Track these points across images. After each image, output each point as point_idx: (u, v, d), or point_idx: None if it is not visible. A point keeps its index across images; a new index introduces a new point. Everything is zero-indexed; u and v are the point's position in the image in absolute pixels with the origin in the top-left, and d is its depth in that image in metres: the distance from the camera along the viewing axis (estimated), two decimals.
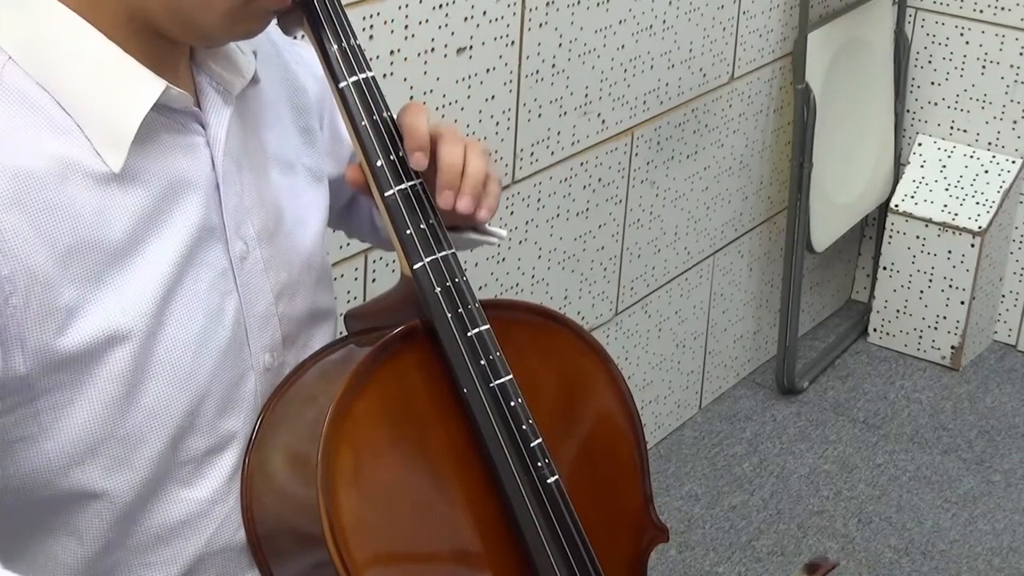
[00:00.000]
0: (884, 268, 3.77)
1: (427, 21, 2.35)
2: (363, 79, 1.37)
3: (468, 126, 2.51)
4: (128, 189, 1.26)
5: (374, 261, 2.39)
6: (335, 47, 1.35)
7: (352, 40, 1.37)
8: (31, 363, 1.22)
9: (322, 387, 1.38)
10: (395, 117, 1.38)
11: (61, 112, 1.24)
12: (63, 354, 1.23)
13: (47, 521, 1.31)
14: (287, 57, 1.50)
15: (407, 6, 2.30)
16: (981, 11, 3.62)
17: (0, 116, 1.21)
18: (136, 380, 1.28)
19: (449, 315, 1.36)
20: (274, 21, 1.34)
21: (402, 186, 1.37)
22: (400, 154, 1.37)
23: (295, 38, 1.45)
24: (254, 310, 1.38)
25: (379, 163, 1.36)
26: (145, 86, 1.26)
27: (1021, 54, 3.61)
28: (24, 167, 1.20)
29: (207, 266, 1.33)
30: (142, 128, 1.26)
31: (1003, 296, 3.85)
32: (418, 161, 1.36)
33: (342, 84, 1.36)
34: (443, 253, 1.37)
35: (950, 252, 3.66)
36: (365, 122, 1.36)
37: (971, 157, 3.73)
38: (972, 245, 3.63)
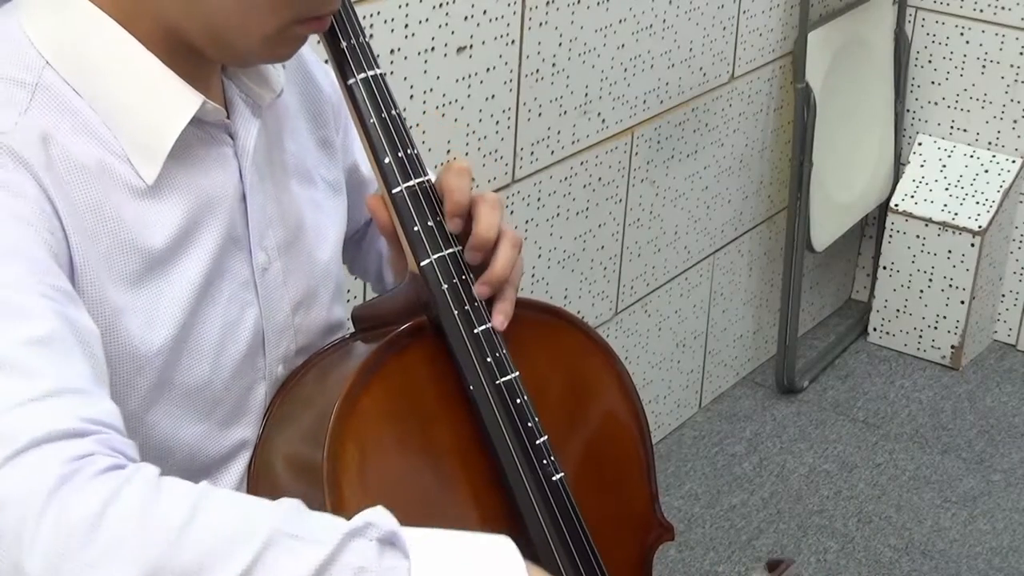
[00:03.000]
0: (884, 268, 3.77)
1: (427, 20, 2.35)
2: (372, 76, 1.37)
3: (468, 125, 2.51)
4: (162, 201, 1.27)
5: None
6: (344, 44, 1.36)
7: (361, 37, 1.37)
8: None
9: (328, 384, 1.38)
10: (438, 173, 1.39)
11: (97, 120, 1.24)
12: (107, 354, 1.22)
13: None
14: (311, 68, 1.50)
15: (407, 5, 2.30)
16: (981, 11, 3.62)
17: (41, 118, 1.21)
18: (164, 388, 1.28)
19: (455, 312, 1.36)
20: None
21: (410, 183, 1.37)
22: (408, 151, 1.37)
23: None
24: (272, 321, 1.38)
25: (387, 160, 1.36)
26: (183, 100, 1.26)
27: (1021, 54, 3.61)
28: (71, 157, 1.21)
29: (230, 276, 1.33)
30: (176, 141, 1.26)
31: (1003, 296, 3.85)
32: (455, 226, 1.37)
33: (351, 81, 1.36)
34: (450, 250, 1.37)
35: (950, 252, 3.66)
36: (373, 119, 1.37)
37: (971, 157, 3.73)
38: (972, 245, 3.63)
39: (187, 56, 1.27)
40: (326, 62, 1.41)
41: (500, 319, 1.39)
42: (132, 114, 1.25)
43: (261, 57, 1.30)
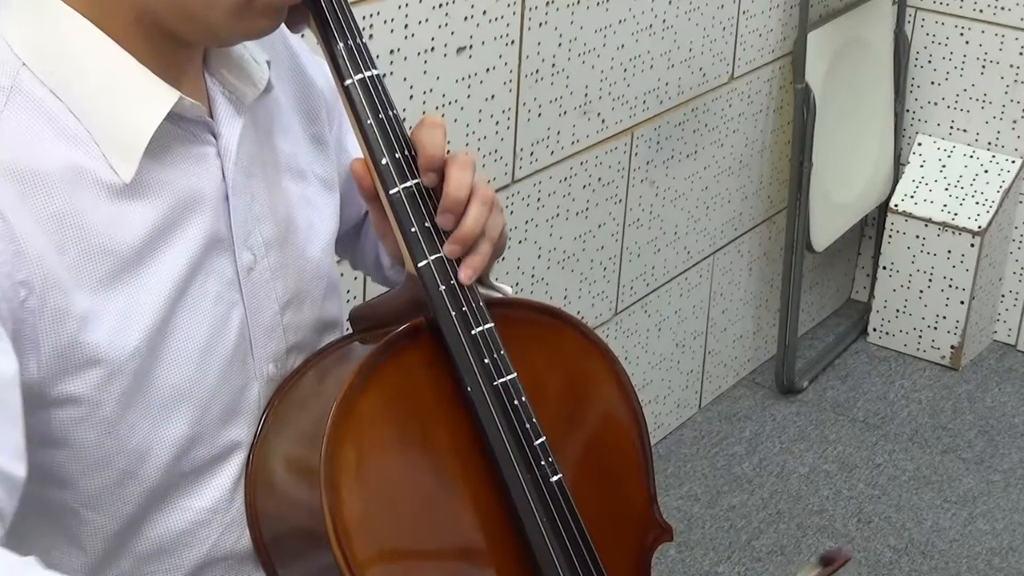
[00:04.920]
0: (884, 268, 3.77)
1: (427, 20, 2.35)
2: (369, 77, 1.36)
3: (468, 126, 2.51)
4: (139, 199, 1.26)
5: None
6: (341, 45, 1.35)
7: (358, 38, 1.36)
8: (44, 370, 1.21)
9: (326, 385, 1.38)
10: (412, 130, 1.38)
11: (73, 119, 1.23)
12: (76, 362, 1.22)
13: (50, 528, 1.31)
14: (304, 63, 1.49)
15: (407, 5, 2.30)
16: (981, 11, 3.62)
17: (15, 121, 1.21)
18: (142, 391, 1.28)
19: (453, 313, 1.36)
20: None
21: (407, 184, 1.36)
22: (406, 152, 1.37)
23: (301, 36, 1.45)
24: (259, 321, 1.38)
25: (384, 161, 1.36)
26: (158, 96, 1.26)
27: (1021, 54, 3.61)
28: (34, 169, 1.20)
29: (214, 276, 1.33)
30: (154, 138, 1.25)
31: (1003, 296, 3.85)
32: (429, 180, 1.36)
33: (347, 82, 1.36)
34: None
35: (950, 252, 3.66)
36: (371, 120, 1.36)
37: (971, 157, 3.73)
38: (972, 245, 3.63)
39: (163, 46, 1.27)
40: (302, 37, 1.40)
41: (467, 272, 1.37)
42: (108, 112, 1.24)
43: (234, 32, 1.28)
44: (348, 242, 1.66)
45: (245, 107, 1.36)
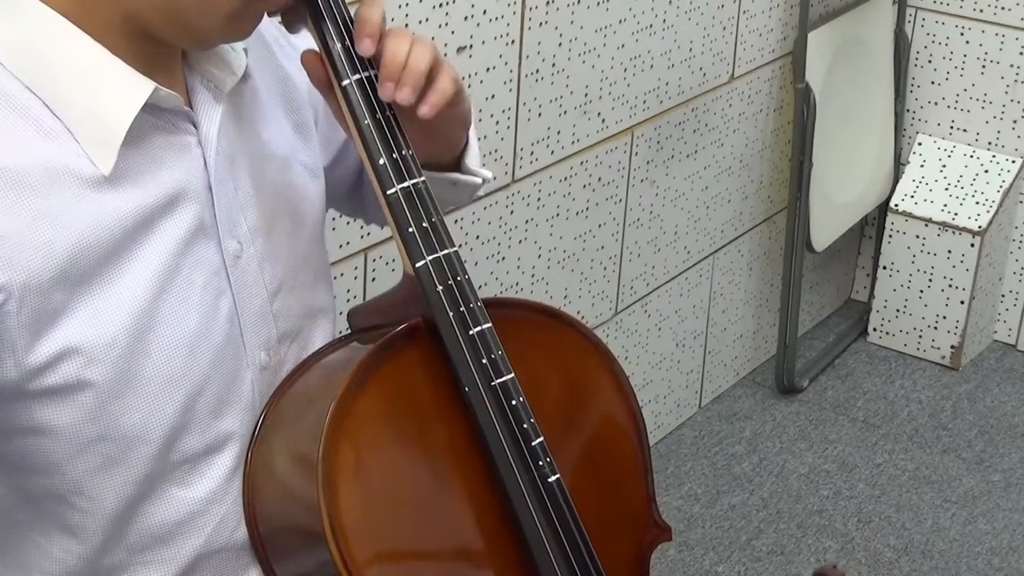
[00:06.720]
0: (884, 268, 3.77)
1: (427, 20, 2.35)
2: (366, 77, 1.37)
3: None
4: (119, 191, 1.26)
5: (374, 260, 2.39)
6: (338, 45, 1.36)
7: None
8: (22, 368, 1.22)
9: (324, 384, 1.38)
10: (353, 13, 1.37)
11: (50, 115, 1.24)
12: (50, 356, 1.23)
13: (42, 517, 1.31)
14: (279, 53, 1.49)
15: (407, 5, 2.30)
16: (981, 11, 3.62)
17: None
18: (130, 381, 1.27)
19: (451, 313, 1.36)
20: (277, 18, 1.34)
21: (404, 184, 1.36)
22: (403, 152, 1.37)
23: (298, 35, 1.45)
24: (248, 308, 1.38)
25: (381, 161, 1.36)
26: (134, 87, 1.26)
27: (1021, 54, 3.61)
28: (14, 169, 1.20)
29: (201, 265, 1.33)
30: (133, 129, 1.25)
31: (1003, 296, 3.85)
32: (365, 48, 1.34)
33: (345, 82, 1.36)
34: (445, 251, 1.37)
35: (950, 252, 3.66)
36: (368, 120, 1.36)
37: (971, 157, 3.73)
38: (972, 245, 3.63)
39: (144, 44, 1.27)
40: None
41: (424, 109, 1.36)
42: (85, 105, 1.24)
43: (222, 36, 1.29)
44: (351, 199, 1.65)
45: (223, 95, 1.36)
